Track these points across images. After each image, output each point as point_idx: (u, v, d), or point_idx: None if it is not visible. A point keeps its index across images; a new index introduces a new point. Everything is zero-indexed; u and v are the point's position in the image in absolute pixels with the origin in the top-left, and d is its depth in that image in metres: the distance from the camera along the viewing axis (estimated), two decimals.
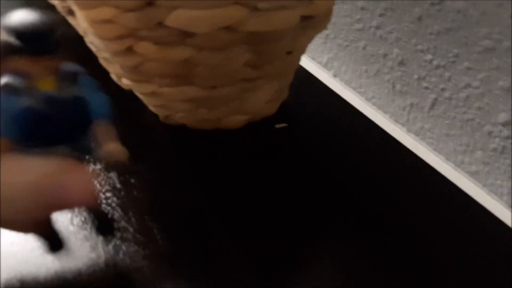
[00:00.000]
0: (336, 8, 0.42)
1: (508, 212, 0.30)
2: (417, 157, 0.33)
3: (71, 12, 0.24)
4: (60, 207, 0.14)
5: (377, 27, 0.38)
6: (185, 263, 0.23)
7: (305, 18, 0.23)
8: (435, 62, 0.34)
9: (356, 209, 0.28)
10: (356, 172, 0.31)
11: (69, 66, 0.14)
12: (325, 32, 0.45)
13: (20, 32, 0.13)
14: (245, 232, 0.26)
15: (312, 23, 0.24)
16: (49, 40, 0.14)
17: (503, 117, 0.30)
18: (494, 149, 0.32)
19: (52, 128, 0.14)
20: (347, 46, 0.43)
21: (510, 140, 0.31)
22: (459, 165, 0.35)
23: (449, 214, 0.28)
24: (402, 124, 0.39)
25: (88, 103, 0.14)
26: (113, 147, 0.14)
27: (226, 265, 0.24)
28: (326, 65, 0.46)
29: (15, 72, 0.13)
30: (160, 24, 0.20)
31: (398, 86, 0.38)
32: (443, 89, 0.34)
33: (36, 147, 0.14)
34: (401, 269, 0.24)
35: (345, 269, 0.24)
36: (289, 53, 0.25)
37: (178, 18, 0.20)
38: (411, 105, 0.38)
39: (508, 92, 0.30)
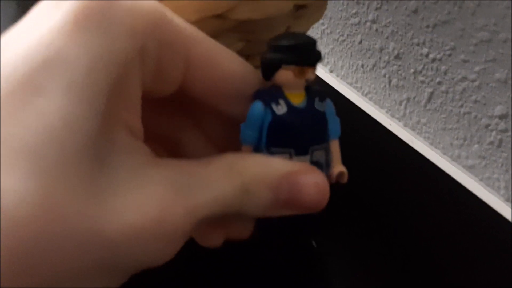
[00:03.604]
0: (331, 3, 0.42)
1: (505, 205, 0.30)
2: (414, 151, 0.33)
3: None
4: (293, 209, 0.15)
5: (373, 21, 0.38)
6: None
7: (298, 7, 0.23)
8: (431, 56, 0.34)
9: (353, 204, 0.28)
10: (353, 168, 0.30)
11: (315, 86, 0.16)
12: (321, 27, 0.45)
13: (286, 45, 0.15)
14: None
15: (305, 13, 0.24)
16: (313, 52, 0.15)
17: (499, 109, 0.30)
18: (491, 143, 0.31)
19: (294, 139, 0.15)
20: (343, 40, 0.42)
21: (507, 133, 0.30)
22: (455, 159, 0.35)
23: (447, 208, 0.28)
24: (399, 119, 0.39)
25: (327, 121, 0.16)
26: (343, 169, 0.16)
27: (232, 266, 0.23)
28: (322, 61, 0.46)
29: (274, 84, 0.15)
30: None
31: (394, 81, 0.38)
32: (439, 83, 0.34)
33: (280, 154, 0.15)
34: (397, 262, 0.24)
35: (342, 257, 0.24)
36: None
37: (167, 5, 0.19)
38: (408, 99, 0.37)
39: (505, 85, 0.29)
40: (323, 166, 0.16)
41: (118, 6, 0.12)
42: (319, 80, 0.42)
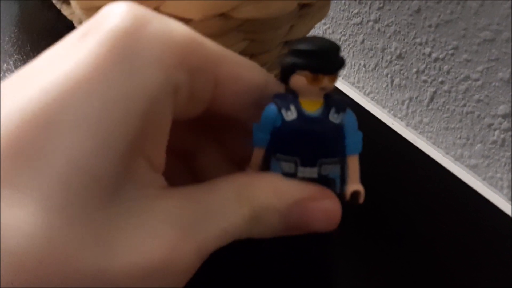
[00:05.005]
0: (334, 2, 0.42)
1: (508, 204, 0.30)
2: (417, 150, 0.33)
3: (65, 1, 0.24)
4: (302, 232, 0.15)
5: (375, 21, 0.38)
6: None
7: (302, 6, 0.23)
8: (434, 55, 0.34)
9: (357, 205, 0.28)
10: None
11: (338, 96, 0.15)
12: (323, 27, 0.45)
13: (302, 49, 0.14)
14: None
15: (309, 12, 0.24)
16: (331, 59, 0.14)
17: (503, 109, 0.30)
18: (494, 142, 0.31)
19: (300, 148, 0.14)
20: (345, 40, 0.42)
21: (510, 133, 0.30)
22: (458, 158, 0.35)
23: (450, 206, 0.28)
24: (401, 118, 0.39)
25: (343, 135, 0.15)
26: (358, 188, 0.15)
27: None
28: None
29: (291, 88, 0.15)
30: (155, 11, 0.20)
31: (396, 80, 0.38)
32: (442, 82, 0.34)
33: (285, 161, 0.15)
34: (400, 260, 0.24)
35: (343, 256, 0.24)
36: (286, 43, 0.25)
37: (172, 4, 0.19)
38: (410, 99, 0.37)
39: (508, 84, 0.29)
40: (336, 182, 0.15)
41: (146, 40, 0.12)
42: None
